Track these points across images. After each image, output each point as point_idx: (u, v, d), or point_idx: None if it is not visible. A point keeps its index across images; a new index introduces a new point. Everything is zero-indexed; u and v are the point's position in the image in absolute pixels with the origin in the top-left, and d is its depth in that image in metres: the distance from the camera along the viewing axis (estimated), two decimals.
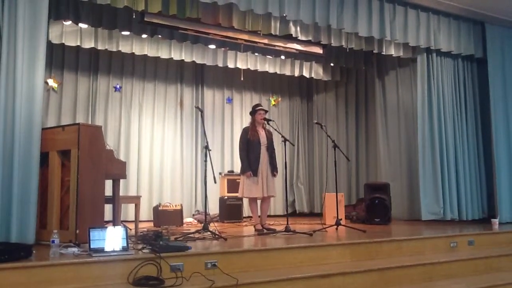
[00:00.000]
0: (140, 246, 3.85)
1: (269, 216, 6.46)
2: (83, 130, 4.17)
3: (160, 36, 6.52)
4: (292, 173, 9.18)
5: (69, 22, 5.96)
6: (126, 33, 6.42)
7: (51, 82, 7.22)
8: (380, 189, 6.91)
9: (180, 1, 5.48)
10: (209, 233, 4.89)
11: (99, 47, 6.79)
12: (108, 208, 4.84)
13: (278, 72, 8.28)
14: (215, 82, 8.66)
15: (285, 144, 5.57)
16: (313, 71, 8.45)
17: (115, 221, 4.89)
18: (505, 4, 6.63)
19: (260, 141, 5.64)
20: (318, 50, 7.36)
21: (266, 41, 6.90)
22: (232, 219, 7.25)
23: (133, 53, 7.05)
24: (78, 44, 6.61)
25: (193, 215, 7.55)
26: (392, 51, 6.90)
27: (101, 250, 3.56)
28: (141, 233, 4.78)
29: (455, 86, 7.12)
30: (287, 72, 8.35)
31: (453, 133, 6.93)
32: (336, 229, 5.81)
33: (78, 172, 4.06)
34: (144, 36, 6.61)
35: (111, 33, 6.68)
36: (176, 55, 7.27)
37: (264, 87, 9.18)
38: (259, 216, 5.74)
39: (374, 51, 6.88)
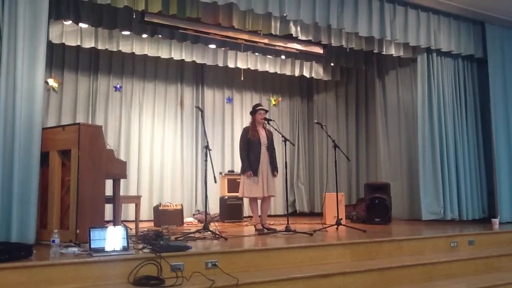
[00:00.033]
0: (140, 246, 3.85)
1: (269, 216, 6.45)
2: (84, 130, 4.17)
3: (160, 36, 6.52)
4: (292, 173, 9.18)
5: (70, 22, 5.96)
6: (127, 33, 6.42)
7: (51, 82, 7.22)
8: (381, 189, 6.91)
9: (180, 1, 5.48)
10: (209, 232, 4.89)
11: (99, 47, 6.79)
12: (108, 208, 4.84)
13: (279, 72, 8.28)
14: (215, 82, 8.66)
15: (285, 144, 5.57)
16: (314, 71, 8.46)
17: (115, 221, 4.90)
18: (505, 4, 6.63)
19: (261, 141, 5.64)
20: (319, 50, 7.36)
21: (266, 41, 6.90)
22: (232, 219, 7.25)
23: (133, 53, 7.05)
24: (79, 44, 6.62)
25: (194, 214, 7.55)
26: (392, 51, 6.90)
27: (101, 250, 3.56)
28: (142, 233, 4.78)
29: (455, 86, 7.12)
30: (288, 72, 8.35)
31: (453, 133, 6.94)
32: (337, 229, 5.81)
33: (79, 172, 4.06)
34: (144, 36, 6.61)
35: (111, 33, 6.68)
36: (176, 55, 7.28)
37: (264, 87, 9.18)
38: (259, 216, 5.74)
39: (374, 51, 6.88)
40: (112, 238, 3.64)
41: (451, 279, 4.45)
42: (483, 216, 7.02)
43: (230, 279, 3.43)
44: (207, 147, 5.13)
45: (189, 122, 8.34)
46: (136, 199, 5.65)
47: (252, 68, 7.98)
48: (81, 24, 6.05)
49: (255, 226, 5.71)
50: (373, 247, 4.59)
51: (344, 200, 7.13)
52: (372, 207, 6.77)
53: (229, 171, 7.98)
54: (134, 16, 5.91)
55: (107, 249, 3.59)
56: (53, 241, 3.49)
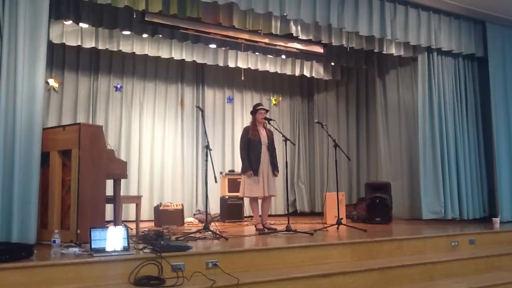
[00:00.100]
0: (141, 246, 3.85)
1: (270, 215, 6.45)
2: (84, 130, 4.17)
3: (160, 35, 6.52)
4: (293, 172, 9.19)
5: (70, 22, 5.96)
6: (127, 32, 6.42)
7: (51, 82, 7.22)
8: (381, 189, 6.91)
9: (180, 1, 5.47)
10: (210, 232, 4.89)
11: (100, 47, 6.79)
12: (109, 208, 4.84)
13: (279, 72, 8.28)
14: (215, 82, 8.66)
15: (286, 144, 5.56)
16: (314, 71, 8.45)
17: (116, 221, 4.90)
18: (506, 3, 6.62)
19: (261, 141, 5.64)
20: (319, 49, 7.36)
21: (266, 40, 6.90)
22: (233, 218, 7.25)
23: (133, 52, 7.05)
24: (79, 43, 6.62)
25: (194, 214, 7.55)
26: (393, 50, 6.89)
27: (102, 250, 3.56)
28: (142, 233, 4.78)
29: (456, 85, 7.12)
30: (288, 71, 8.35)
31: (454, 132, 6.93)
32: (337, 228, 5.81)
33: (79, 172, 4.06)
34: (144, 35, 6.61)
35: (111, 32, 6.68)
36: (176, 55, 7.28)
37: (264, 86, 9.18)
38: (260, 216, 5.74)
39: (375, 50, 6.87)
40: (112, 238, 3.64)
41: (452, 278, 4.45)
42: (483, 215, 7.02)
43: (230, 279, 3.43)
44: (207, 147, 5.14)
45: (189, 122, 8.34)
46: (137, 199, 5.65)
47: (253, 67, 7.98)
48: (81, 24, 6.04)
49: (255, 226, 5.71)
50: (373, 247, 4.59)
51: (345, 199, 7.14)
52: (372, 206, 6.77)
53: (229, 171, 7.98)
54: (134, 16, 5.90)
55: (107, 249, 3.59)
56: (54, 241, 3.49)
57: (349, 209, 7.66)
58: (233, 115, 8.79)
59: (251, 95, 9.00)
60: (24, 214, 3.99)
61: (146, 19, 5.87)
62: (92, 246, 3.57)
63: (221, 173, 7.72)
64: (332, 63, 8.23)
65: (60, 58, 7.33)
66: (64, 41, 6.48)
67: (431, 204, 6.63)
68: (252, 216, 6.52)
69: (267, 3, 5.39)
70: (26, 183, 4.04)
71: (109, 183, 4.78)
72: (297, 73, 8.39)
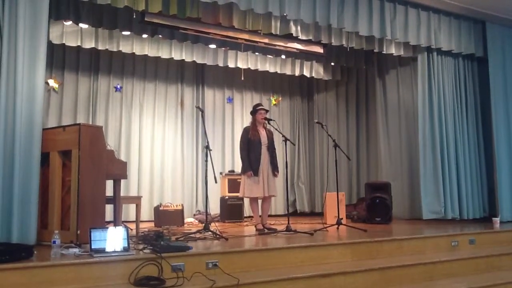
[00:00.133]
0: (141, 247, 3.85)
1: (270, 215, 6.45)
2: (84, 130, 4.17)
3: (160, 36, 6.52)
4: (293, 172, 9.18)
5: (70, 22, 5.96)
6: (127, 33, 6.42)
7: (51, 82, 7.22)
8: (381, 189, 6.91)
9: (180, 1, 5.48)
10: (210, 233, 4.89)
11: (100, 47, 6.79)
12: (109, 209, 4.85)
13: (279, 72, 8.28)
14: (215, 82, 8.66)
15: (285, 144, 5.56)
16: (314, 71, 8.45)
17: (116, 222, 4.90)
18: (505, 3, 6.62)
19: (261, 141, 5.64)
20: (319, 49, 7.36)
21: (266, 40, 6.90)
22: (233, 219, 7.25)
23: (133, 53, 7.05)
24: (79, 44, 6.62)
25: (194, 215, 7.55)
26: (393, 50, 6.89)
27: (102, 251, 3.56)
28: (142, 233, 4.78)
29: (456, 85, 7.12)
30: (288, 71, 8.35)
31: (454, 132, 6.93)
32: (337, 228, 5.81)
33: (79, 172, 4.06)
34: (144, 36, 6.61)
35: (111, 33, 6.68)
36: (176, 55, 7.27)
37: (264, 86, 9.18)
38: (260, 216, 5.74)
39: (374, 50, 6.87)
40: (112, 239, 3.64)
41: (452, 278, 4.45)
42: (483, 215, 7.02)
43: (230, 279, 3.43)
44: (207, 147, 5.14)
45: (189, 122, 8.34)
46: (137, 200, 5.65)
47: (253, 68, 7.97)
48: (81, 25, 6.04)
49: (255, 226, 5.71)
50: (373, 247, 4.59)
51: (345, 199, 7.14)
52: (372, 206, 6.77)
53: (229, 171, 7.98)
54: (134, 16, 5.90)
55: (107, 249, 3.59)
56: (54, 241, 3.49)
57: (349, 209, 7.66)
58: (233, 115, 8.79)
59: (251, 95, 9.00)
60: (24, 214, 3.99)
61: (146, 19, 5.87)
62: (92, 247, 3.56)
63: (221, 173, 7.72)
64: (332, 63, 8.22)
65: (60, 59, 7.33)
66: (64, 42, 6.48)
67: (431, 204, 6.63)
68: (252, 216, 6.52)
69: (267, 3, 5.39)
70: (26, 183, 4.04)
71: (109, 184, 4.78)
72: (297, 73, 8.39)
